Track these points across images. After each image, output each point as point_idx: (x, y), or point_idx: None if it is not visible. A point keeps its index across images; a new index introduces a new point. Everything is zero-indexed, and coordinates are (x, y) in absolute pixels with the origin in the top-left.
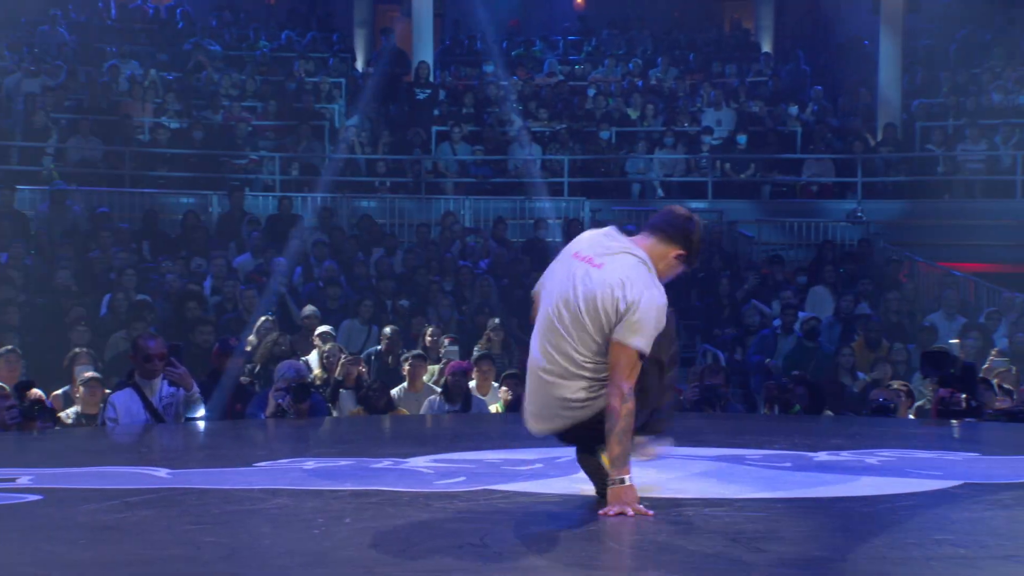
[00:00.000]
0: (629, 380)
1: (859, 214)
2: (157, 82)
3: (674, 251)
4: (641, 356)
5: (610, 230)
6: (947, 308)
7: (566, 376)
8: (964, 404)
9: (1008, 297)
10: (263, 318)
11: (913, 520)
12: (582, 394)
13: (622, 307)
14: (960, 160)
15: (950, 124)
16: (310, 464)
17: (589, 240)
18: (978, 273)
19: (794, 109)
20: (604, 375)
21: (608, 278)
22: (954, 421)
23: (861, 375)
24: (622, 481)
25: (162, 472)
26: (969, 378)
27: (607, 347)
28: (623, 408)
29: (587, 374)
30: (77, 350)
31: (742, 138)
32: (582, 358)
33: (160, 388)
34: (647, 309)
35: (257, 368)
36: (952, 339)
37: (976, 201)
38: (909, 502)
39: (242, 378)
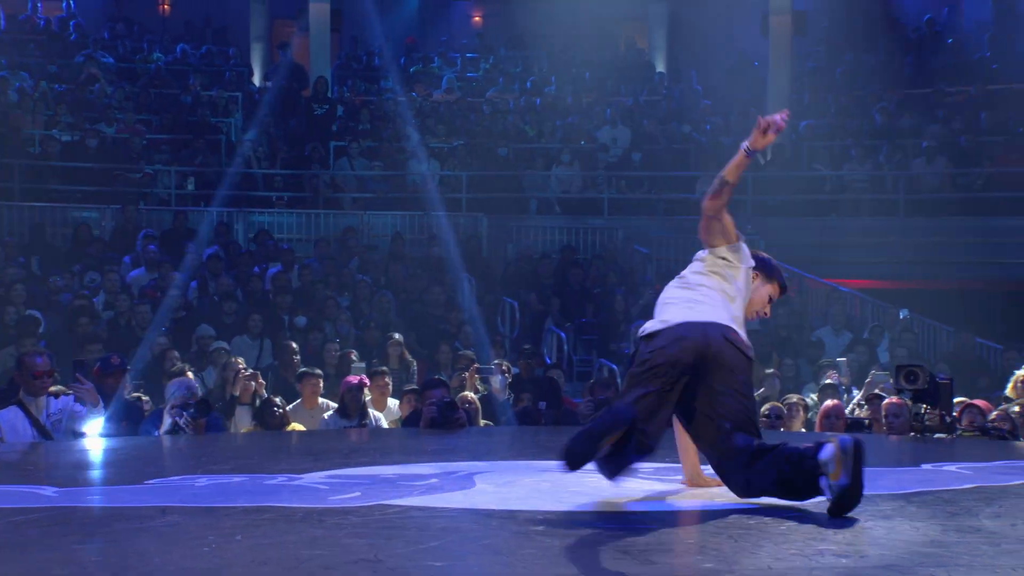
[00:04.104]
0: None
1: (750, 230)
2: (48, 94)
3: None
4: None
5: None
6: (834, 323)
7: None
8: (939, 420)
9: (892, 313)
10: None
11: (798, 531)
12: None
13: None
14: (846, 180)
15: (836, 144)
16: (202, 481)
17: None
18: (863, 289)
19: (687, 128)
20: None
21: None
22: (933, 436)
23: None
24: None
25: (49, 491)
26: (943, 394)
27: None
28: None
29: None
30: None
31: (637, 156)
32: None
33: (47, 404)
34: None
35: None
36: (839, 355)
37: (861, 219)
38: (795, 513)
39: (127, 395)
